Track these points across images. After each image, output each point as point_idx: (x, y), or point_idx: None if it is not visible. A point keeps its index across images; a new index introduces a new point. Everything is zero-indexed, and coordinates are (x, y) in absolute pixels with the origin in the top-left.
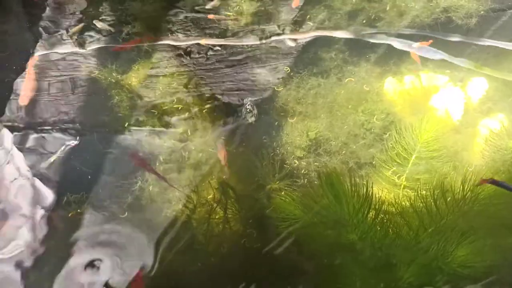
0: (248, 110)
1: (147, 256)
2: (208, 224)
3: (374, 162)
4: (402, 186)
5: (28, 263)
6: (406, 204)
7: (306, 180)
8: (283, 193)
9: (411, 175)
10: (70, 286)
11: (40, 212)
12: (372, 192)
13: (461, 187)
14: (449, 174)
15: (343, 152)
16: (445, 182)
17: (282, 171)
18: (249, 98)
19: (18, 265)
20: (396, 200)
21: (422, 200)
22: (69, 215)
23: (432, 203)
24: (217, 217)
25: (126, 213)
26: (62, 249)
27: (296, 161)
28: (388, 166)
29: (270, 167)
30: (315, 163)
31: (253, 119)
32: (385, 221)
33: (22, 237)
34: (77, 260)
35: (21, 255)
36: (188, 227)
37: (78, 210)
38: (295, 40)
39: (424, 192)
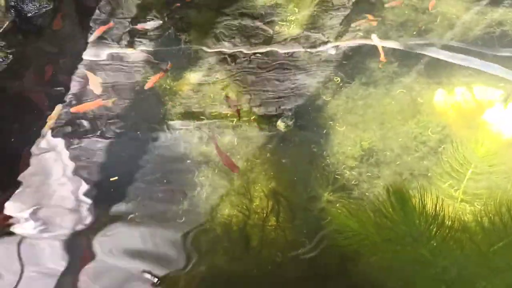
0: (286, 119)
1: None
2: (263, 231)
3: (429, 174)
4: (459, 199)
5: None
6: (466, 218)
7: (358, 191)
8: (337, 205)
9: (469, 190)
10: None
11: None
12: (442, 208)
13: None
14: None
15: (397, 163)
16: (510, 198)
17: (335, 182)
18: (287, 107)
19: None
20: (456, 215)
21: (487, 216)
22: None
23: (498, 220)
24: (269, 224)
25: (184, 218)
26: None
27: (347, 171)
28: (444, 179)
29: (323, 178)
30: (367, 174)
31: (289, 127)
32: (449, 236)
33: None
34: None
35: None
36: (243, 233)
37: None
38: (338, 47)
39: (487, 207)
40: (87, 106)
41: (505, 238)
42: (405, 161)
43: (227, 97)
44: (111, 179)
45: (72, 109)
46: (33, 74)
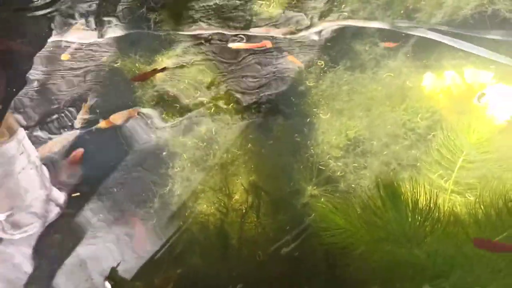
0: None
1: None
2: (242, 230)
3: (418, 164)
4: (449, 190)
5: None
6: (458, 210)
7: (344, 183)
8: (322, 199)
9: (460, 179)
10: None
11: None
12: (436, 203)
13: None
14: (509, 180)
15: (384, 152)
16: (507, 189)
17: (320, 174)
18: (267, 93)
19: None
20: (449, 207)
21: (482, 208)
22: None
23: (493, 212)
24: (249, 221)
25: (155, 219)
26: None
27: (332, 161)
28: (433, 169)
29: (307, 170)
30: (354, 164)
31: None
32: (443, 230)
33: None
34: None
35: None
36: (221, 232)
37: None
38: (323, 29)
39: (482, 199)
40: None
41: (501, 233)
42: (393, 150)
43: None
44: (72, 195)
45: None
46: None
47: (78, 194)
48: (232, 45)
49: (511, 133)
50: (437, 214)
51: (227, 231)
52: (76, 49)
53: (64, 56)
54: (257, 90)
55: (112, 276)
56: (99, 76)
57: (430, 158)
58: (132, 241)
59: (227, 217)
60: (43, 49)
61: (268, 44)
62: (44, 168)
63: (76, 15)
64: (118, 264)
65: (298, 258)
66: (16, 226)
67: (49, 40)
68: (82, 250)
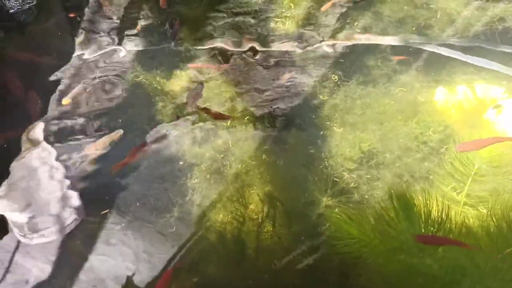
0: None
1: None
2: (258, 239)
3: (431, 177)
4: (461, 203)
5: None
6: (469, 223)
7: (358, 194)
8: (336, 210)
9: (472, 192)
10: None
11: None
12: (448, 214)
13: None
14: None
15: (397, 165)
16: None
17: (334, 185)
18: (283, 107)
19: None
20: (461, 219)
21: (494, 221)
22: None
23: (505, 224)
24: (265, 230)
25: (175, 228)
26: None
27: (346, 173)
28: (446, 181)
29: (321, 181)
30: (367, 176)
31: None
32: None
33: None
34: None
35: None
36: (238, 241)
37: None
38: (335, 45)
39: (494, 211)
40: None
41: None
42: (405, 162)
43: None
44: (102, 212)
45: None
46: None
47: (107, 211)
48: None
49: None
50: (449, 225)
51: (243, 240)
52: (98, 63)
53: (65, 101)
54: (270, 103)
55: (127, 286)
56: (123, 90)
57: (442, 171)
58: (153, 257)
59: (244, 226)
60: (68, 64)
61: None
62: (61, 169)
63: (100, 32)
64: (133, 274)
65: (312, 268)
66: (34, 229)
67: (74, 55)
68: (97, 263)
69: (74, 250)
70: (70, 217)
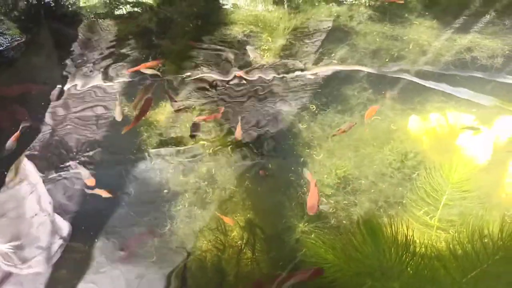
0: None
1: None
2: (238, 266)
3: (404, 202)
4: (434, 227)
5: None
6: (441, 246)
7: (335, 220)
8: (313, 235)
9: (443, 216)
10: None
11: (58, 243)
12: (413, 239)
13: (500, 234)
14: (484, 217)
15: (372, 190)
16: (482, 226)
17: None
18: (265, 134)
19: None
20: (430, 242)
21: (460, 244)
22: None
23: (470, 248)
24: (245, 257)
25: (155, 257)
26: None
27: (323, 199)
28: (419, 206)
29: (299, 207)
30: (344, 201)
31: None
32: (422, 265)
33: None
34: None
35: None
36: (218, 269)
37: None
38: (315, 74)
39: (460, 235)
40: None
41: (478, 267)
42: (380, 188)
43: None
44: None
45: None
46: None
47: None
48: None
49: (491, 172)
50: (417, 248)
51: (223, 267)
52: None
53: (90, 181)
54: (254, 130)
55: None
56: (109, 121)
57: (415, 196)
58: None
59: (224, 253)
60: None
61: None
62: (49, 198)
63: (87, 63)
64: None
65: None
66: (22, 259)
67: (61, 87)
68: None
69: (62, 279)
70: (56, 244)
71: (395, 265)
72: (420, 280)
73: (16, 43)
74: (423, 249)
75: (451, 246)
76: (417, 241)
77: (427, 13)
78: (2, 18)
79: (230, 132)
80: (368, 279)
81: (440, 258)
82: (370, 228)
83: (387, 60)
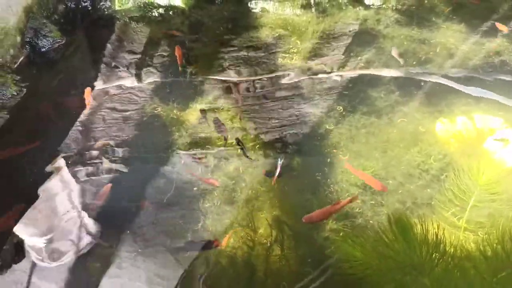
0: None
1: None
2: (267, 262)
3: (432, 203)
4: (462, 228)
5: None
6: (470, 247)
7: (362, 219)
8: (341, 233)
9: (471, 218)
10: None
11: (87, 239)
12: (443, 238)
13: None
14: None
15: (399, 191)
16: None
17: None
18: (292, 135)
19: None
20: (460, 243)
21: (490, 245)
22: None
23: (500, 248)
24: (273, 253)
25: (188, 253)
26: None
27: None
28: (447, 207)
29: (327, 206)
30: (371, 202)
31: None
32: (452, 264)
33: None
34: None
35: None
36: (248, 265)
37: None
38: (341, 76)
39: (490, 236)
40: None
41: (508, 268)
42: (407, 189)
43: (217, 121)
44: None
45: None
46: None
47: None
48: None
49: None
50: (448, 248)
51: (253, 264)
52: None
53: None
54: (280, 130)
55: None
56: (141, 121)
57: (443, 197)
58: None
59: (253, 250)
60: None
61: (216, 183)
62: (80, 195)
63: (120, 65)
64: None
65: None
66: (53, 253)
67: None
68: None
69: (87, 272)
70: (85, 241)
71: (426, 262)
72: (450, 278)
73: (57, 45)
74: (452, 249)
75: (481, 247)
76: (447, 241)
77: (454, 17)
78: (45, 21)
79: (257, 132)
80: (398, 274)
81: (470, 258)
82: (401, 226)
83: (414, 63)
